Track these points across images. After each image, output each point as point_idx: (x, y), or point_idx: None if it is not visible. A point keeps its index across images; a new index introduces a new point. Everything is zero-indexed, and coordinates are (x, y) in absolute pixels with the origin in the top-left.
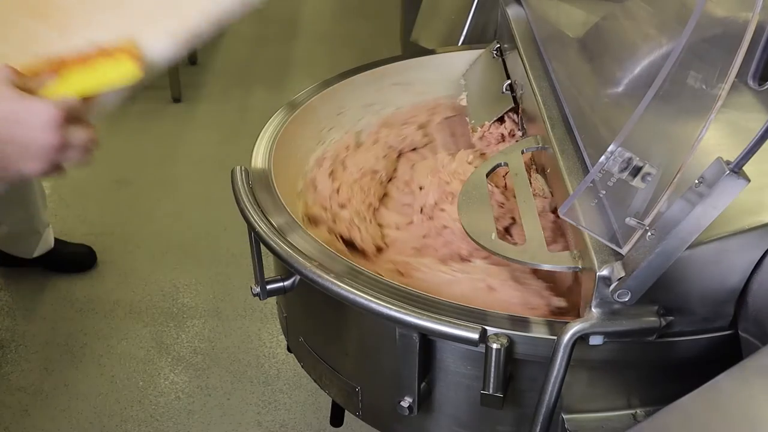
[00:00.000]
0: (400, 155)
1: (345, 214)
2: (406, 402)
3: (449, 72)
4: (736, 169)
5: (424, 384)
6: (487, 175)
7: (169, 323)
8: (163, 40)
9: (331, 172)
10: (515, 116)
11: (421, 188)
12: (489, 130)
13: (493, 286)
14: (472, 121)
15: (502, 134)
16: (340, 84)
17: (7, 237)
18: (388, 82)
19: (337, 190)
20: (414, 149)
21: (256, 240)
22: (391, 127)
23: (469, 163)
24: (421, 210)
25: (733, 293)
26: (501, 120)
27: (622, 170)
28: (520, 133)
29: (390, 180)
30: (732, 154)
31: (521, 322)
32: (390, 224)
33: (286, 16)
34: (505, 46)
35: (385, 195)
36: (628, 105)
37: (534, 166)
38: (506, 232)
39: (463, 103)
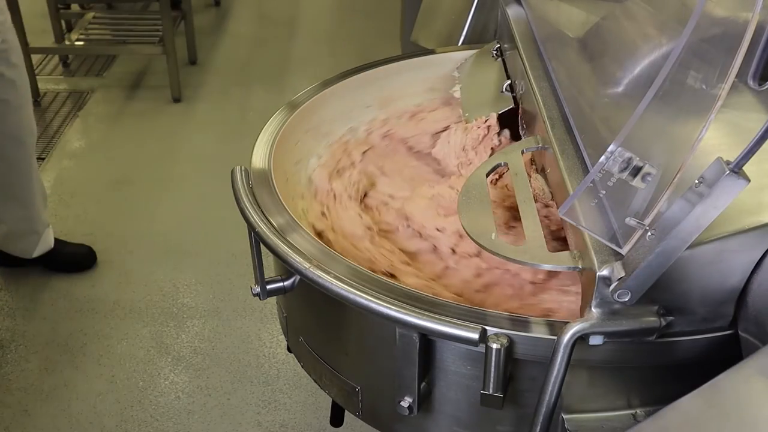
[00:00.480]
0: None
1: (413, 281)
2: (406, 402)
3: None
4: (736, 169)
5: (424, 384)
6: (487, 175)
7: (169, 323)
8: None
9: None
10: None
11: (439, 230)
12: (480, 124)
13: None
14: (466, 114)
15: (489, 126)
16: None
17: (6, 236)
18: (302, 130)
19: (372, 260)
20: (365, 195)
21: (256, 240)
22: (337, 179)
23: None
24: (453, 251)
25: (733, 293)
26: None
27: (622, 170)
28: (502, 135)
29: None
30: (732, 154)
31: (521, 322)
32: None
33: (286, 16)
34: (505, 46)
35: None
36: (628, 105)
37: (534, 166)
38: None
39: (456, 94)
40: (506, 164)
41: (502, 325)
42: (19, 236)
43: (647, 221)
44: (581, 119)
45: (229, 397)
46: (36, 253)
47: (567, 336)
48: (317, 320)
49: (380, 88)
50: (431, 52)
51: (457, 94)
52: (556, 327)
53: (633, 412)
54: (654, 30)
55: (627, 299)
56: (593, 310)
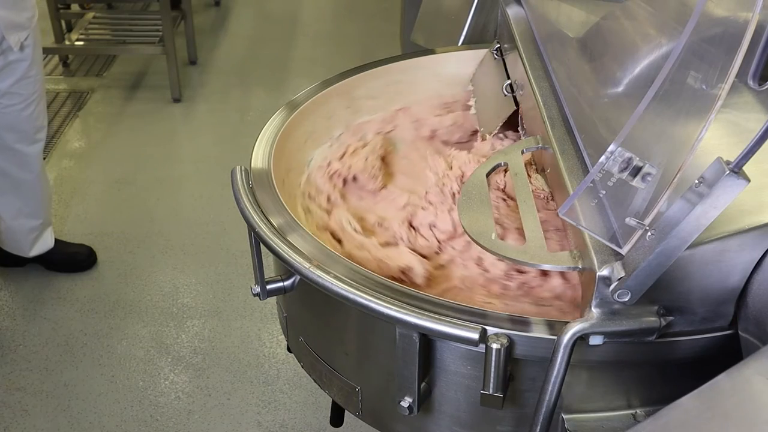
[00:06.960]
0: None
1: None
2: (406, 402)
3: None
4: (736, 169)
5: (424, 384)
6: (487, 175)
7: (169, 323)
8: None
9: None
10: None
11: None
12: (495, 134)
13: None
14: (482, 129)
15: (504, 134)
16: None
17: (5, 232)
18: (302, 129)
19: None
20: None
21: (256, 240)
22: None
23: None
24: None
25: (733, 293)
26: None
27: (622, 170)
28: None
29: None
30: (732, 154)
31: (521, 322)
32: None
33: (286, 16)
34: (505, 46)
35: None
36: (628, 105)
37: (534, 166)
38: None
39: (473, 111)
40: (506, 164)
41: (502, 325)
42: (19, 233)
43: (647, 221)
44: (581, 119)
45: (229, 397)
46: (34, 252)
47: (567, 336)
48: (317, 320)
49: (380, 88)
50: (431, 52)
51: (473, 111)
52: (556, 327)
53: (633, 412)
54: (654, 30)
55: (627, 299)
56: (593, 310)
